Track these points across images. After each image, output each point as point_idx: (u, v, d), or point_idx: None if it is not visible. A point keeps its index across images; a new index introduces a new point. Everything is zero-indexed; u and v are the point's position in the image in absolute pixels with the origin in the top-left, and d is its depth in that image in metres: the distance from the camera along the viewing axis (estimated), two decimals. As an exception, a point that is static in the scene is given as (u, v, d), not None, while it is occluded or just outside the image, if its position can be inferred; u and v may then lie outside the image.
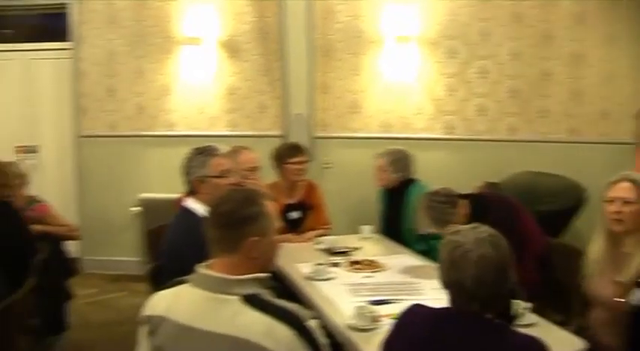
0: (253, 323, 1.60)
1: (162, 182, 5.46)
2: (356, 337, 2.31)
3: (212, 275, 1.70)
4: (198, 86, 5.62)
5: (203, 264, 1.75)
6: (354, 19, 5.37)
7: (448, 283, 1.74)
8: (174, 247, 2.69)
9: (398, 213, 4.03)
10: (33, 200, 4.22)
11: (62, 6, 5.81)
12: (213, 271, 1.71)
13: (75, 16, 5.78)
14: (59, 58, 6.01)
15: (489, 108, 5.32)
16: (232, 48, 5.54)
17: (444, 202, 3.19)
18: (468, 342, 1.67)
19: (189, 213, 2.76)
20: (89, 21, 5.76)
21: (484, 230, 1.76)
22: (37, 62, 6.15)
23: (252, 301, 1.64)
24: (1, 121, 6.27)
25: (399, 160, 4.12)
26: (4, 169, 3.43)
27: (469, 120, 5.35)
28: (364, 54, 5.38)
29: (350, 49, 5.40)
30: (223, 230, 1.73)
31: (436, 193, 3.26)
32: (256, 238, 1.71)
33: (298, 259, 3.35)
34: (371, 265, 3.27)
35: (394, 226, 4.05)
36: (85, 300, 4.97)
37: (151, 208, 5.43)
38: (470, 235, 1.73)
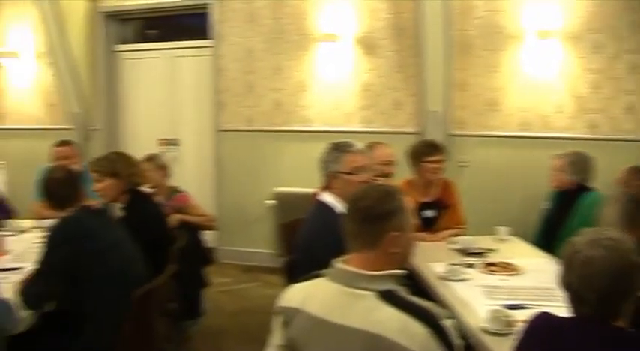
0: (388, 319, 1.62)
1: (297, 177, 5.65)
2: (489, 341, 2.27)
3: (349, 270, 1.74)
4: (333, 82, 5.78)
5: (340, 258, 1.80)
6: (494, 13, 5.29)
7: (562, 285, 1.71)
8: (309, 241, 2.76)
9: (563, 218, 3.87)
10: (174, 191, 4.51)
11: (203, 6, 6.19)
12: (350, 266, 1.75)
13: (215, 16, 6.14)
14: (200, 56, 6.42)
15: (639, 106, 5.03)
16: (368, 45, 5.64)
17: (636, 205, 3.01)
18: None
19: (325, 207, 2.84)
20: (229, 19, 6.10)
21: (606, 233, 1.69)
22: (180, 60, 6.60)
23: (388, 297, 1.66)
24: (146, 116, 6.79)
25: (578, 163, 3.98)
26: (133, 160, 3.64)
27: (615, 119, 5.12)
28: (503, 50, 5.29)
29: (489, 45, 5.32)
30: (363, 225, 1.77)
31: (631, 193, 3.08)
32: (397, 234, 1.74)
33: (432, 258, 3.32)
34: (507, 268, 3.19)
35: (555, 229, 3.88)
36: (219, 288, 5.22)
37: (285, 201, 5.62)
38: (588, 236, 1.69)
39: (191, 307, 4.30)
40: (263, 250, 5.92)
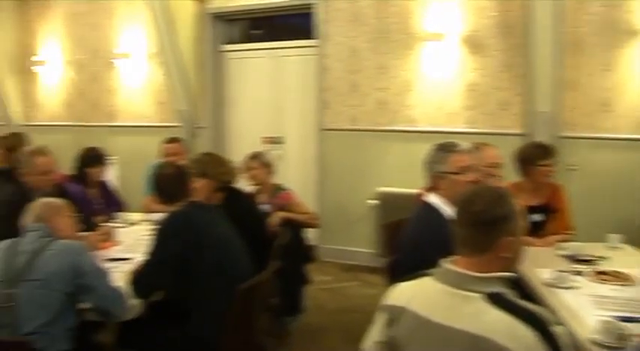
0: (496, 322, 1.61)
1: (400, 177, 5.75)
2: (599, 354, 2.19)
3: (457, 271, 1.75)
4: (438, 82, 5.81)
5: (448, 259, 1.81)
6: (609, 8, 5.14)
7: None
8: (413, 241, 2.80)
9: None
10: (278, 188, 4.64)
11: (308, 6, 6.39)
12: (457, 267, 1.76)
13: (320, 15, 6.30)
14: (305, 55, 6.64)
15: None
16: (474, 43, 5.65)
17: None
18: None
19: (430, 208, 2.86)
20: (334, 19, 6.26)
21: None
22: (285, 59, 6.82)
23: (496, 299, 1.66)
24: (251, 114, 7.10)
25: None
26: (222, 159, 3.78)
27: None
28: (619, 47, 5.14)
29: (603, 43, 5.17)
30: (475, 229, 1.76)
31: None
32: (511, 238, 1.74)
33: (538, 264, 3.23)
34: (619, 277, 3.06)
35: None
36: (319, 286, 5.35)
37: (387, 201, 5.74)
38: None
39: (292, 304, 4.43)
40: (364, 250, 6.05)
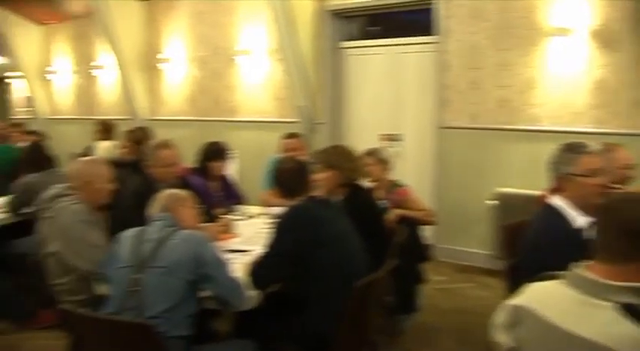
0: (628, 335, 1.55)
1: (522, 177, 5.68)
2: None
3: (590, 278, 1.68)
4: (564, 79, 5.64)
5: (581, 264, 1.75)
6: None
7: None
8: (533, 244, 2.75)
9: None
10: (395, 185, 4.68)
11: (428, 2, 6.39)
12: (592, 274, 1.69)
13: (441, 11, 6.29)
14: (424, 52, 6.66)
15: None
16: (604, 38, 5.42)
17: None
18: None
19: (552, 210, 2.80)
20: (454, 15, 6.23)
21: None
22: (403, 56, 6.88)
23: (632, 311, 1.58)
24: (369, 111, 7.21)
25: None
26: (352, 155, 3.82)
27: None
28: None
29: None
30: (622, 238, 1.67)
31: None
32: None
33: None
34: None
35: None
36: (434, 286, 5.38)
37: (507, 202, 5.66)
38: None
39: (406, 303, 4.46)
40: (480, 251, 6.01)
